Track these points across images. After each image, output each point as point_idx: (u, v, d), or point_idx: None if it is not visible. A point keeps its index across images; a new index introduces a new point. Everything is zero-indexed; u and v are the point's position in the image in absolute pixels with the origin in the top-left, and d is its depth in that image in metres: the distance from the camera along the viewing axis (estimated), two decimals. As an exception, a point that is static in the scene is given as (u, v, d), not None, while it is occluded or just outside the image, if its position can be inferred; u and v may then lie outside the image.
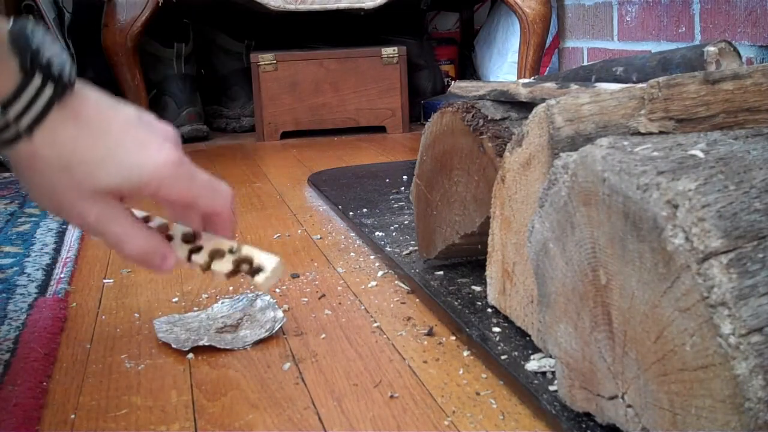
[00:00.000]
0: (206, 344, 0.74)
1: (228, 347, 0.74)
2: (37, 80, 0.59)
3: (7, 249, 1.09)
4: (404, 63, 2.10)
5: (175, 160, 0.63)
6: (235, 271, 0.63)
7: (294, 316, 0.82)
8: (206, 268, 0.65)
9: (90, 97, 0.61)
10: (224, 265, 0.64)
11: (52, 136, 0.60)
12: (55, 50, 0.60)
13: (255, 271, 0.63)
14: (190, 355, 0.73)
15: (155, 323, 0.79)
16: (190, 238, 0.67)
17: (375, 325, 0.79)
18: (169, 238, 0.69)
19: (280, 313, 0.78)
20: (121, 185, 0.60)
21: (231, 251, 0.65)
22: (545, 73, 2.16)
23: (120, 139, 0.60)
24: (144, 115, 0.64)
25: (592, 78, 0.81)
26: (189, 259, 0.66)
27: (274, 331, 0.76)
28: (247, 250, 0.64)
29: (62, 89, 0.60)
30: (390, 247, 0.98)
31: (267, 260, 0.63)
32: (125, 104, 0.64)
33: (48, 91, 0.60)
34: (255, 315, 0.79)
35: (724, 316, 0.40)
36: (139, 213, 0.74)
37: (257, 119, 2.10)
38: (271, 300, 0.80)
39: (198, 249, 0.66)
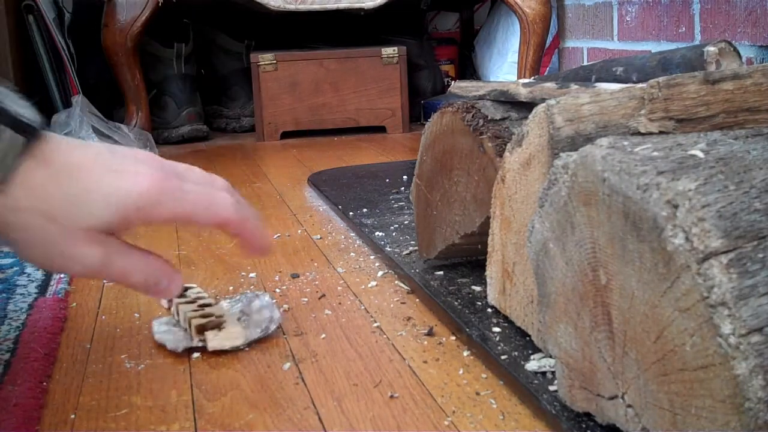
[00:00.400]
0: (200, 345, 0.74)
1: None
2: (5, 134, 0.59)
3: (7, 249, 1.09)
4: (404, 63, 2.10)
5: (156, 180, 0.61)
6: (201, 327, 0.74)
7: (294, 316, 0.82)
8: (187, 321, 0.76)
9: (59, 142, 0.60)
10: (199, 320, 0.75)
11: (28, 185, 0.59)
12: (20, 104, 0.60)
13: (217, 326, 0.74)
14: (196, 355, 0.73)
15: (154, 323, 0.79)
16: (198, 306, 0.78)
17: (375, 325, 0.79)
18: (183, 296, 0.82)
19: (277, 313, 0.78)
20: (107, 219, 0.59)
21: (218, 316, 0.76)
22: (545, 73, 2.16)
23: (94, 173, 0.60)
24: (114, 147, 0.64)
25: (592, 78, 0.81)
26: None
27: (270, 332, 0.76)
28: (230, 327, 0.74)
29: (30, 139, 0.59)
30: (390, 247, 0.98)
31: (230, 332, 0.74)
32: (94, 142, 0.64)
33: (16, 142, 0.59)
34: (252, 315, 0.79)
35: (724, 316, 0.40)
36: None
37: (257, 119, 2.10)
38: (270, 300, 0.80)
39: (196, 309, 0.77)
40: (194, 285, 0.87)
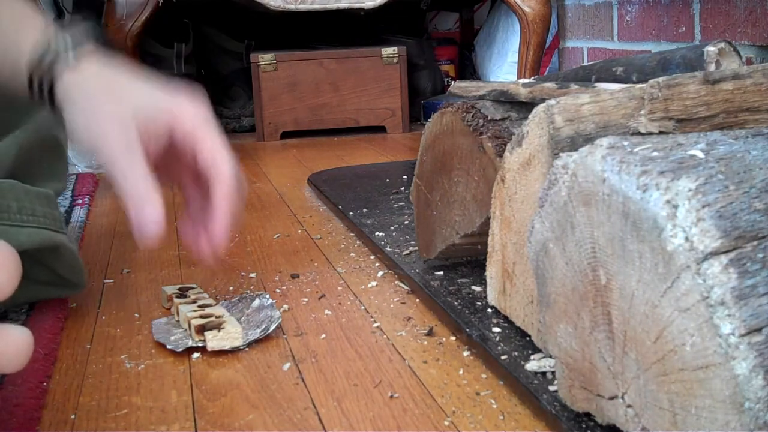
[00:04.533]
0: (200, 345, 0.74)
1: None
2: (89, 38, 0.74)
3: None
4: (404, 63, 2.10)
5: (199, 104, 0.74)
6: (201, 327, 0.74)
7: (294, 316, 0.82)
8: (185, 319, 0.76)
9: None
10: (198, 320, 0.75)
11: (95, 66, 0.73)
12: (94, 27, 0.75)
13: (216, 327, 0.74)
14: (196, 355, 0.73)
15: (153, 324, 0.79)
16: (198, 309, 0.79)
17: (375, 325, 0.79)
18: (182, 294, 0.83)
19: (276, 313, 0.78)
20: (145, 104, 0.69)
21: (217, 316, 0.76)
22: (545, 73, 2.16)
23: (151, 81, 0.72)
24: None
25: (592, 78, 0.81)
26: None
27: (269, 331, 0.75)
28: (230, 327, 0.74)
29: (104, 45, 0.75)
30: (390, 247, 0.98)
31: (229, 331, 0.73)
32: None
33: (92, 45, 0.74)
34: (252, 315, 0.78)
35: (724, 316, 0.40)
36: (169, 288, 0.87)
37: (257, 119, 2.10)
38: (269, 300, 0.80)
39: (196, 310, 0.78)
40: (194, 285, 0.87)
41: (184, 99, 0.73)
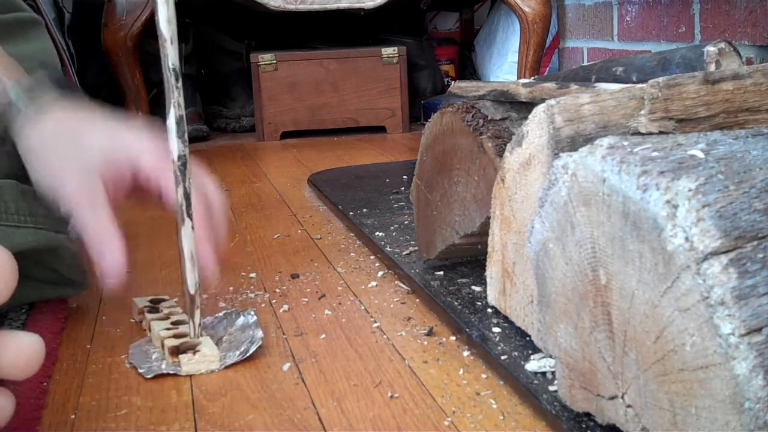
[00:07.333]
0: (172, 371, 0.70)
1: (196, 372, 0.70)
2: (52, 90, 0.76)
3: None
4: (404, 63, 2.10)
5: (160, 140, 0.72)
6: (175, 349, 0.71)
7: (294, 316, 0.82)
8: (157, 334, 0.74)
9: (87, 104, 0.74)
10: (172, 341, 0.72)
11: (55, 115, 0.73)
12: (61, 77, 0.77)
13: (190, 349, 0.71)
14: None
15: (131, 347, 0.75)
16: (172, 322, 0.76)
17: (375, 325, 0.79)
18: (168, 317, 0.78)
19: (259, 333, 0.73)
20: (106, 148, 0.70)
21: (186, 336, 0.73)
22: (545, 73, 2.16)
23: (111, 122, 0.72)
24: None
25: (592, 78, 0.81)
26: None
27: (248, 354, 0.71)
28: (206, 350, 0.71)
29: (63, 84, 0.76)
30: (390, 247, 0.98)
31: (205, 354, 0.70)
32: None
33: (54, 94, 0.75)
34: (234, 334, 0.75)
35: (724, 316, 0.40)
36: (140, 300, 0.84)
37: (257, 119, 2.10)
38: (253, 318, 0.76)
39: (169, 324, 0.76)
40: (167, 297, 0.84)
41: (145, 137, 0.73)
